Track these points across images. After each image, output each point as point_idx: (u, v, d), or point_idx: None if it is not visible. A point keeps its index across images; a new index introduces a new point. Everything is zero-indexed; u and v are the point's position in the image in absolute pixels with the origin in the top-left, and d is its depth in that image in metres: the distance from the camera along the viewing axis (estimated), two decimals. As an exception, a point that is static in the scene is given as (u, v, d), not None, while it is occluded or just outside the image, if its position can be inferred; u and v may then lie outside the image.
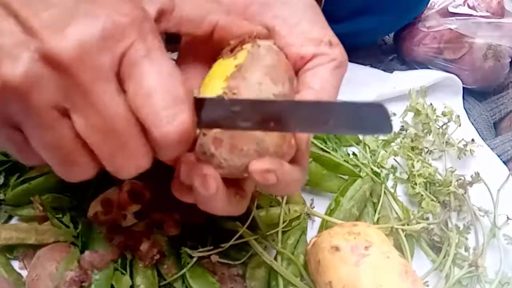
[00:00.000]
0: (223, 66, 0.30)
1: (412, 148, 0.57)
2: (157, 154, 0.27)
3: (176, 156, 0.27)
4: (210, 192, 0.28)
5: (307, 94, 0.31)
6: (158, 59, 0.25)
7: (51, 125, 0.24)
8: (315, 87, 0.32)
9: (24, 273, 0.42)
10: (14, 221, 0.45)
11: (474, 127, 0.64)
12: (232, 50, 0.30)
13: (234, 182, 0.31)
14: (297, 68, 0.33)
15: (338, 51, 0.33)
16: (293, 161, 0.30)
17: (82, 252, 0.41)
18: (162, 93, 0.24)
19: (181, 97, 0.25)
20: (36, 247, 0.42)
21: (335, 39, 0.33)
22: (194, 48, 0.33)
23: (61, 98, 0.24)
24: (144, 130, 0.25)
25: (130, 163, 0.26)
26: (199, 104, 0.26)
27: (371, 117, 0.24)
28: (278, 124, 0.26)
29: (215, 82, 0.29)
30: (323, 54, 0.32)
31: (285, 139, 0.29)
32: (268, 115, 0.26)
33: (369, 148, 0.56)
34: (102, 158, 0.26)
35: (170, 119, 0.24)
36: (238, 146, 0.28)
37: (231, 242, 0.42)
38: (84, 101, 0.24)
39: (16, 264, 0.42)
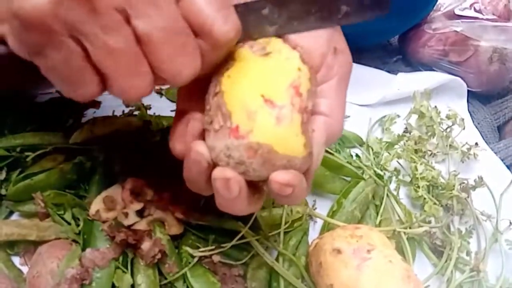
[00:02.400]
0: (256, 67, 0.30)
1: (416, 151, 0.57)
2: (204, 61, 0.28)
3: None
4: (232, 195, 0.29)
5: (319, 120, 0.32)
6: None
7: (115, 27, 0.25)
8: (325, 111, 0.32)
9: (24, 269, 0.41)
10: (15, 217, 0.45)
11: (478, 130, 0.64)
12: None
13: (252, 182, 0.31)
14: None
15: (342, 59, 0.34)
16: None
17: (83, 249, 0.40)
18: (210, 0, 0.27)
19: (226, 3, 0.27)
20: (37, 244, 0.42)
21: (340, 44, 0.34)
22: None
23: (124, 2, 0.25)
24: (196, 36, 0.27)
25: (189, 63, 0.27)
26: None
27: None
28: (300, 22, 0.30)
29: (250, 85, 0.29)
30: (328, 66, 0.33)
31: (310, 156, 0.29)
32: (292, 13, 0.30)
33: (373, 150, 0.56)
34: (163, 61, 0.27)
35: (226, 19, 0.27)
36: (271, 161, 0.28)
37: (233, 242, 0.42)
38: (147, 2, 0.25)
39: (17, 260, 0.42)
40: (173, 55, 0.27)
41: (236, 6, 0.29)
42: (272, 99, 0.28)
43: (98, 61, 0.26)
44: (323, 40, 0.33)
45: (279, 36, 0.31)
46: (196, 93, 0.32)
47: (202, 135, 0.30)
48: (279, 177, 0.28)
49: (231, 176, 0.28)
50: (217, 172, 0.29)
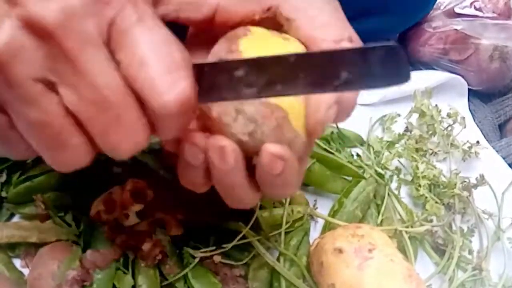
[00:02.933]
0: None
1: (417, 150, 0.56)
2: (156, 130, 0.24)
3: (176, 134, 0.25)
4: (229, 166, 0.26)
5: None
6: (151, 25, 0.23)
7: (35, 100, 0.22)
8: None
9: (25, 271, 0.42)
10: (16, 219, 0.45)
11: (479, 128, 0.64)
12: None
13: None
14: None
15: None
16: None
17: (84, 251, 0.41)
18: (157, 60, 0.22)
19: (179, 63, 0.23)
20: (38, 246, 0.42)
21: (355, 35, 0.31)
22: (198, 39, 0.32)
23: (46, 69, 0.22)
24: (140, 103, 0.23)
25: (127, 139, 0.24)
26: (198, 71, 0.24)
27: (386, 63, 0.22)
28: (285, 86, 0.23)
29: None
30: None
31: (308, 146, 0.28)
32: (274, 76, 0.23)
33: (373, 149, 0.56)
34: (95, 136, 0.23)
35: (169, 87, 0.22)
36: (282, 129, 0.26)
37: (234, 243, 0.42)
38: (72, 71, 0.22)
39: (18, 262, 0.42)
40: (106, 130, 0.23)
41: (202, 66, 0.24)
42: None
43: (21, 132, 0.24)
44: (334, 29, 0.30)
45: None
46: None
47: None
48: (271, 147, 0.26)
49: (226, 143, 0.26)
50: (211, 141, 0.26)
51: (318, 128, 0.28)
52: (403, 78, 0.22)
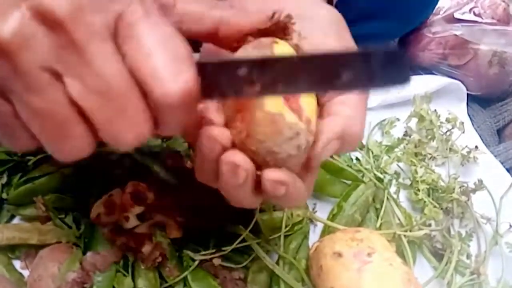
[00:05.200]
0: None
1: (416, 154, 0.57)
2: (159, 123, 0.25)
3: (178, 129, 0.26)
4: (239, 181, 0.27)
5: (334, 121, 0.30)
6: (157, 21, 0.24)
7: (41, 88, 0.23)
8: (345, 113, 0.30)
9: (25, 273, 0.42)
10: (16, 220, 0.45)
11: (478, 133, 0.64)
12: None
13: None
14: None
15: None
16: (302, 177, 0.30)
17: (84, 253, 0.41)
18: (162, 51, 0.23)
19: (183, 56, 0.24)
20: (38, 247, 0.42)
21: (353, 46, 0.32)
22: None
23: (53, 59, 0.23)
24: (144, 95, 0.24)
25: (129, 129, 0.24)
26: (201, 69, 0.24)
27: (387, 66, 0.23)
28: (287, 84, 0.24)
29: None
30: None
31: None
32: (277, 75, 0.24)
33: (373, 153, 0.56)
34: (99, 126, 0.24)
35: (173, 76, 0.23)
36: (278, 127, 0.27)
37: (234, 246, 0.42)
38: (79, 61, 0.22)
39: (18, 264, 0.42)
40: (110, 120, 0.23)
41: (205, 63, 0.25)
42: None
43: (25, 121, 0.24)
44: (331, 40, 0.31)
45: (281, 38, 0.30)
46: None
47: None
48: (271, 174, 0.27)
49: (240, 160, 0.27)
50: (226, 155, 0.27)
51: (313, 160, 0.29)
52: (403, 81, 0.23)
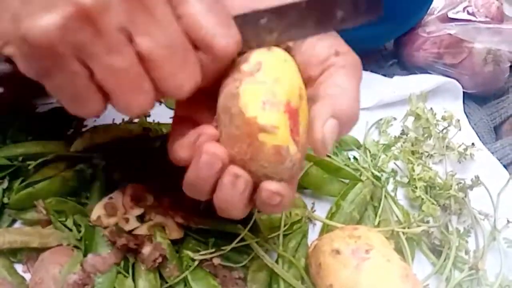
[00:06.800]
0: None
1: (413, 152, 0.57)
2: (204, 73, 0.29)
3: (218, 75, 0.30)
4: (237, 192, 0.30)
5: (323, 104, 0.31)
6: None
7: (119, 48, 0.26)
8: (333, 92, 0.31)
9: (27, 276, 0.42)
10: (17, 224, 0.45)
11: (475, 131, 0.65)
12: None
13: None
14: (309, 85, 0.33)
15: (347, 57, 0.33)
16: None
17: (85, 255, 0.41)
18: (213, 12, 0.28)
19: (227, 15, 0.29)
20: (39, 251, 0.42)
21: (342, 48, 0.33)
22: None
23: (127, 20, 0.26)
24: (196, 50, 0.28)
25: (190, 78, 0.28)
26: None
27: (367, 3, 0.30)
28: (297, 29, 0.30)
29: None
30: (331, 65, 0.33)
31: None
32: (289, 21, 0.30)
33: (370, 152, 0.57)
34: (164, 77, 0.28)
35: (227, 33, 0.28)
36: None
37: (233, 245, 0.43)
38: (148, 21, 0.26)
39: (19, 268, 0.43)
40: (174, 71, 0.28)
41: (234, 18, 0.29)
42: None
43: (102, 80, 0.27)
44: (320, 48, 0.33)
45: (277, 45, 0.32)
46: (195, 100, 0.32)
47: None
48: (271, 185, 0.30)
49: (241, 173, 0.30)
50: (230, 168, 0.30)
51: (319, 146, 0.30)
52: (377, 12, 0.30)
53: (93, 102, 0.28)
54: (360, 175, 0.52)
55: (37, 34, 0.25)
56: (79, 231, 0.43)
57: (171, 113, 0.56)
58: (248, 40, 0.30)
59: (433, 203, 0.51)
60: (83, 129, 0.51)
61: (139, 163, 0.46)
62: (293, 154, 0.30)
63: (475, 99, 0.70)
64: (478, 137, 0.64)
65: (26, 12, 0.25)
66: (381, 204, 0.51)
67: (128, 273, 0.41)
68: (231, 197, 0.31)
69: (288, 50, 0.32)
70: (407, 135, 0.59)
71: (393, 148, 0.58)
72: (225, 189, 0.30)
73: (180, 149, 0.32)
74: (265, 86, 0.29)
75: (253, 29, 0.30)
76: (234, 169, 0.30)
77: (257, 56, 0.30)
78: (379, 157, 0.56)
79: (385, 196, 0.51)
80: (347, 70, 0.33)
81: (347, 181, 0.52)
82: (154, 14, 0.26)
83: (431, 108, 0.60)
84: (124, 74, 0.27)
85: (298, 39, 0.32)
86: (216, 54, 0.28)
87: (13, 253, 0.43)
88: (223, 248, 0.43)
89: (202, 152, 0.30)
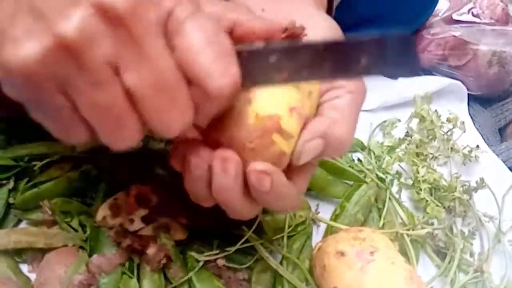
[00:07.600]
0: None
1: (417, 154, 0.57)
2: (199, 112, 0.27)
3: (214, 114, 0.29)
4: (230, 176, 0.29)
5: (319, 121, 0.32)
6: (203, 17, 0.26)
7: (104, 83, 0.24)
8: (333, 116, 0.32)
9: (32, 276, 0.42)
10: (23, 225, 0.45)
11: (479, 133, 0.64)
12: None
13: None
14: None
15: (357, 83, 0.33)
16: (290, 179, 0.32)
17: (90, 256, 0.41)
18: (211, 47, 0.25)
19: (229, 51, 0.26)
20: (45, 251, 0.43)
21: None
22: None
23: (113, 53, 0.24)
24: (189, 86, 0.26)
25: (178, 118, 0.26)
26: (237, 57, 0.27)
27: (398, 50, 0.26)
28: (311, 71, 0.27)
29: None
30: (340, 87, 0.33)
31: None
32: (303, 61, 0.26)
33: (374, 154, 0.57)
34: (151, 115, 0.26)
35: (223, 71, 0.25)
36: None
37: (237, 246, 0.43)
38: (136, 55, 0.24)
39: (25, 268, 0.43)
40: (162, 109, 0.26)
41: (241, 52, 0.27)
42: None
43: (85, 115, 0.26)
44: None
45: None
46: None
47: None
48: (255, 165, 0.29)
49: (230, 154, 0.29)
50: (217, 152, 0.29)
51: (294, 156, 0.31)
52: (412, 71, 0.26)
53: (78, 133, 0.27)
54: (365, 176, 0.52)
55: (18, 63, 0.23)
56: (84, 232, 0.43)
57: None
58: (254, 77, 0.27)
59: (437, 205, 0.51)
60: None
61: (144, 164, 0.46)
62: (287, 155, 0.31)
63: (480, 101, 0.70)
64: (483, 139, 0.64)
65: (10, 34, 0.24)
66: (386, 206, 0.50)
67: (133, 273, 0.41)
68: (226, 185, 0.30)
69: None
70: (411, 137, 0.59)
71: (397, 150, 0.58)
72: (217, 178, 0.30)
73: (173, 160, 0.33)
74: (298, 94, 0.30)
75: (260, 66, 0.27)
76: (221, 152, 0.29)
77: None
78: (384, 159, 0.56)
79: (389, 198, 0.51)
80: (353, 97, 0.33)
81: (351, 182, 0.52)
82: (143, 48, 0.24)
83: (436, 110, 0.60)
84: (107, 110, 0.25)
85: (312, 81, 0.29)
86: (210, 95, 0.25)
87: (19, 253, 0.43)
88: (227, 249, 0.43)
89: (191, 154, 0.30)
